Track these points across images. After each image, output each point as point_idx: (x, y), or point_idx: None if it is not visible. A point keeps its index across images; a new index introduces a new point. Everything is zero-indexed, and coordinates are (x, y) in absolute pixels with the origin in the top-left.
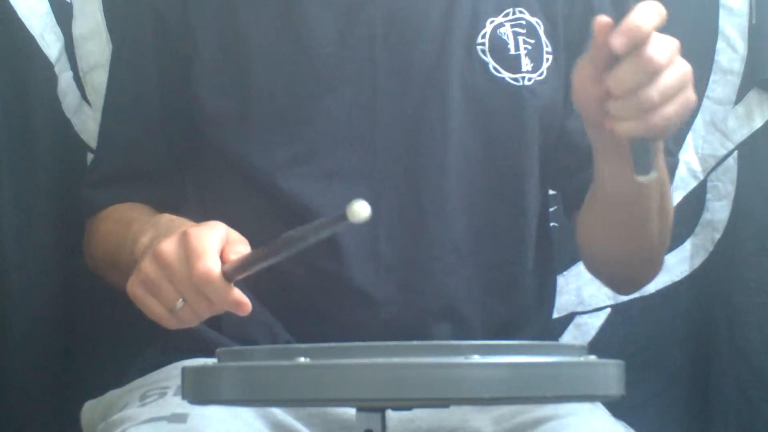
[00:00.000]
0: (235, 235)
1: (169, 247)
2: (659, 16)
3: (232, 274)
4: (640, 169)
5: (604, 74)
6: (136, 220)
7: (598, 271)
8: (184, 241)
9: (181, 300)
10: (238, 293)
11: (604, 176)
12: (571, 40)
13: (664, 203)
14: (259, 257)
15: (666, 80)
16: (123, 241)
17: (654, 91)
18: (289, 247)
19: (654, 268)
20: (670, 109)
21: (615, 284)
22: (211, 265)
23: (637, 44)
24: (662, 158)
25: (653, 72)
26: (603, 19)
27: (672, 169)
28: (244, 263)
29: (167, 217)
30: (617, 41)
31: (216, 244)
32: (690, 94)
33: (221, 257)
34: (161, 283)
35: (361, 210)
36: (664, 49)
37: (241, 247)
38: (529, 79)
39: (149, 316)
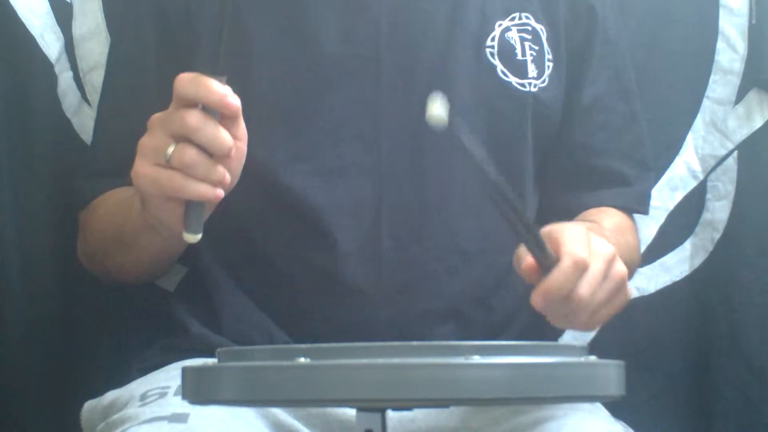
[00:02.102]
0: None
1: (157, 114)
2: (579, 272)
3: (210, 63)
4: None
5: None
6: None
7: None
8: (172, 102)
9: (173, 145)
10: (221, 85)
11: None
12: (573, 48)
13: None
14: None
15: (595, 302)
16: (127, 211)
17: (583, 316)
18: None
19: None
20: (600, 317)
21: None
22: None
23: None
24: (618, 242)
25: (580, 307)
26: (529, 264)
27: (650, 186)
28: (214, 46)
29: None
30: (536, 302)
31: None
32: (624, 295)
33: None
34: (153, 137)
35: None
36: (589, 285)
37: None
38: (534, 86)
39: (149, 186)
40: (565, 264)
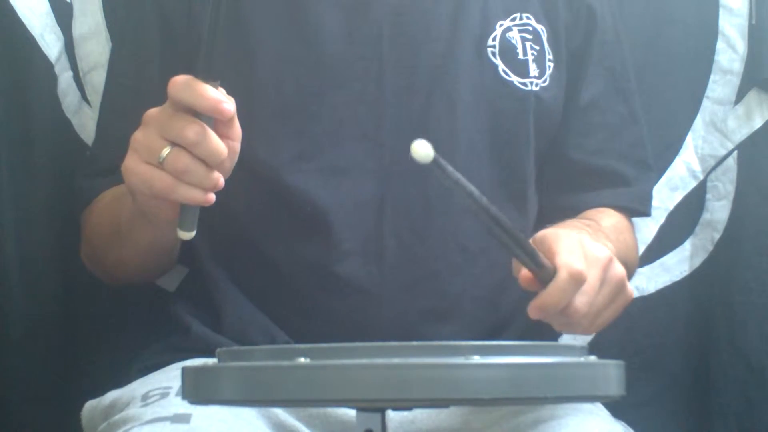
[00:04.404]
0: None
1: (155, 108)
2: (576, 286)
3: (204, 70)
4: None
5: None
6: None
7: None
8: (167, 103)
9: (168, 147)
10: (215, 91)
11: None
12: (573, 49)
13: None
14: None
15: (592, 310)
16: (121, 205)
17: (584, 321)
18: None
19: None
20: (601, 320)
21: None
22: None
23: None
24: (618, 248)
25: (578, 318)
26: (526, 276)
27: (651, 186)
28: (205, 46)
29: None
30: (533, 314)
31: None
32: (625, 296)
33: None
34: (148, 136)
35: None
36: (586, 296)
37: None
38: (536, 85)
39: (141, 185)
40: (561, 278)
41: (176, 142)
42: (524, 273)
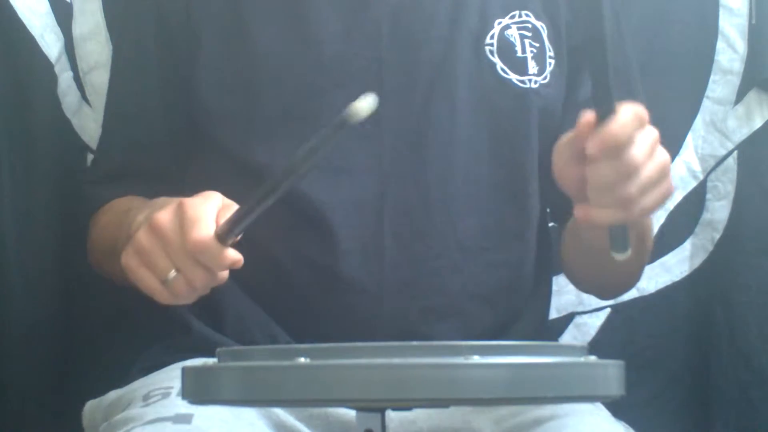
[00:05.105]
0: (230, 201)
1: (164, 216)
2: (639, 122)
3: (226, 233)
4: (617, 249)
5: (584, 160)
6: (134, 207)
7: (574, 282)
8: (180, 211)
9: (174, 271)
10: (232, 253)
11: (580, 226)
12: (574, 46)
13: (643, 244)
14: (250, 205)
15: (645, 175)
16: (120, 227)
17: (632, 187)
18: (282, 179)
19: (632, 283)
20: (648, 201)
21: (592, 294)
22: (205, 231)
23: (614, 150)
24: None
25: (631, 171)
26: (587, 117)
27: None
28: (237, 217)
29: (163, 198)
30: (593, 147)
31: (212, 211)
32: (668, 185)
33: (217, 224)
34: (155, 252)
35: (362, 106)
36: (643, 147)
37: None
38: (535, 82)
39: (142, 288)
40: (625, 113)
41: (184, 276)
42: (587, 117)
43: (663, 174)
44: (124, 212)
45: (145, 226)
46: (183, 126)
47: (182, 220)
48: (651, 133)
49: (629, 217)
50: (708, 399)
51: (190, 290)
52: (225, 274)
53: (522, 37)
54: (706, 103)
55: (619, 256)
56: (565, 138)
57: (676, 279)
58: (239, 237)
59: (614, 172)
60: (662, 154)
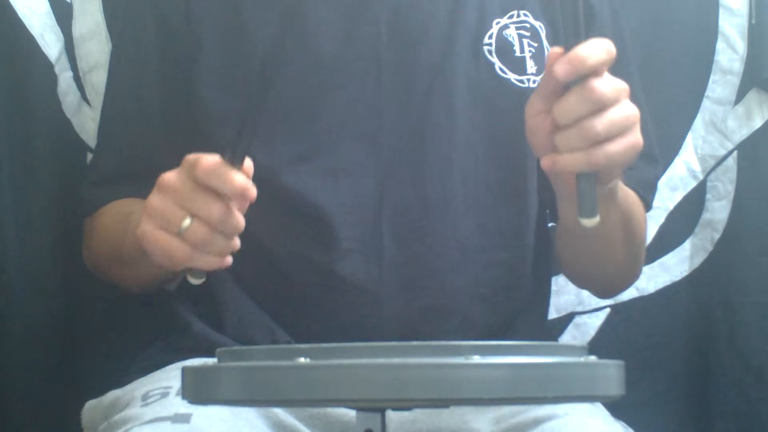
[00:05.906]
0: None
1: (171, 174)
2: (608, 53)
3: (232, 156)
4: (584, 213)
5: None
6: (136, 211)
7: (572, 281)
8: (185, 166)
9: (188, 219)
10: (242, 178)
11: (566, 216)
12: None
13: (630, 231)
14: (250, 127)
15: (611, 116)
16: (124, 231)
17: (598, 123)
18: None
19: (627, 280)
20: (614, 147)
21: (591, 291)
22: (211, 158)
23: (581, 74)
24: (623, 190)
25: (597, 103)
26: (555, 49)
27: (656, 176)
28: (240, 139)
29: None
30: (560, 69)
31: (213, 156)
32: (637, 138)
33: None
34: (167, 206)
35: None
36: (610, 85)
37: None
38: (534, 82)
39: (159, 253)
40: (594, 41)
41: (199, 216)
42: (555, 49)
43: (630, 122)
44: (126, 215)
45: (155, 189)
46: (183, 126)
47: (188, 166)
48: (620, 82)
49: (595, 162)
50: (708, 399)
51: (208, 235)
52: (240, 221)
53: (520, 36)
54: (706, 103)
55: (588, 222)
56: (536, 90)
57: (676, 279)
58: (245, 162)
59: (580, 103)
60: (631, 107)
